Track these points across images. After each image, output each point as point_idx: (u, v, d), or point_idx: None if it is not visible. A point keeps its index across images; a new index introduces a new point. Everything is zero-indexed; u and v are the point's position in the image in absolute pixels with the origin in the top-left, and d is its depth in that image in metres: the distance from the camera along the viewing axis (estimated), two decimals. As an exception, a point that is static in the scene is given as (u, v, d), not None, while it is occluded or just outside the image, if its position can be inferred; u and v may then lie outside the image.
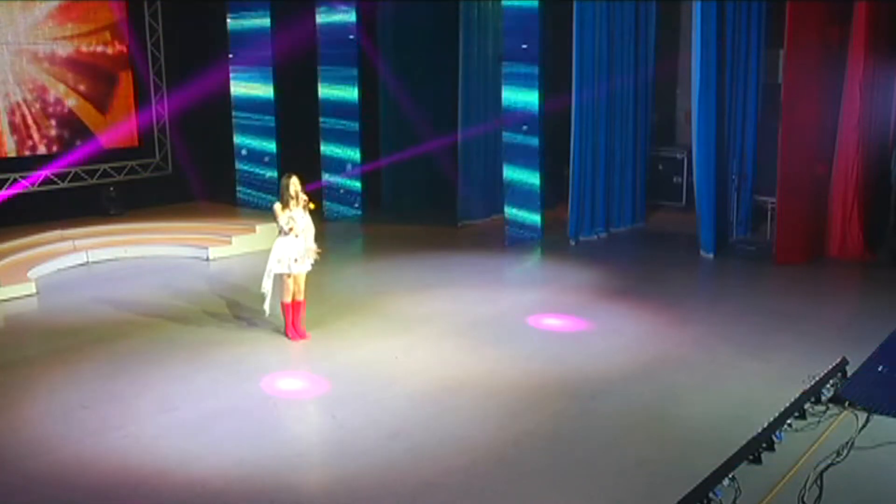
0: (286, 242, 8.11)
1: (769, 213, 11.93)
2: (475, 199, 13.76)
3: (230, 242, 11.92)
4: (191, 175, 13.81)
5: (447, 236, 13.02)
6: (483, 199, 13.82)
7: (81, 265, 11.31)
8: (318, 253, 8.35)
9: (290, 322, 8.30)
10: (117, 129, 13.46)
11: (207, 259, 11.64)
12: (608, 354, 7.93)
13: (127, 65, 13.43)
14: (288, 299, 8.24)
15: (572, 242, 12.41)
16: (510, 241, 12.43)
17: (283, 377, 7.55)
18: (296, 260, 8.13)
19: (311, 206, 8.17)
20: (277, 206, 8.10)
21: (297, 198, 8.03)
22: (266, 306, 8.31)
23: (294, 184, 8.04)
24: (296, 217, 8.05)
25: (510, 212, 12.51)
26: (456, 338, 8.43)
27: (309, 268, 8.30)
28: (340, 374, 7.55)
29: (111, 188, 13.08)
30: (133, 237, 12.05)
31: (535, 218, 12.63)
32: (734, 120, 12.18)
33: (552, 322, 8.96)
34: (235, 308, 9.41)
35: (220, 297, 9.88)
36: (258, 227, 12.13)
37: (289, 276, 8.16)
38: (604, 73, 12.46)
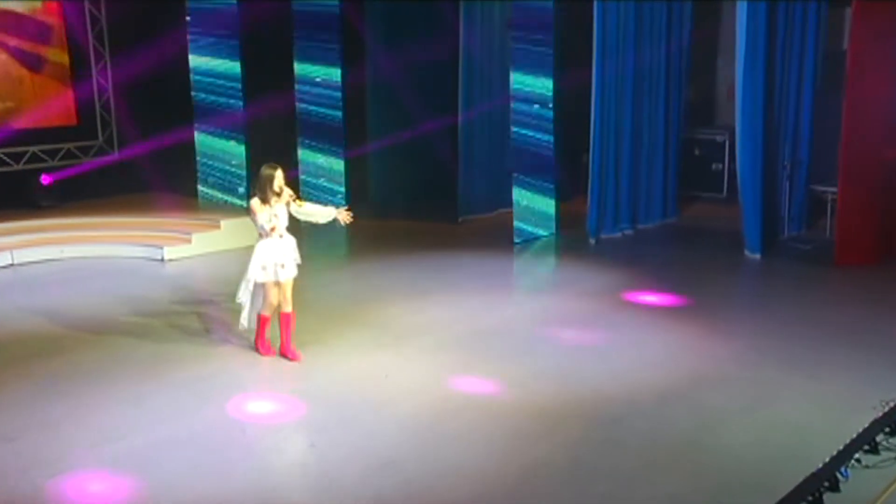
0: (270, 245, 8.04)
1: (828, 206, 11.98)
2: (478, 191, 13.80)
3: (190, 241, 11.94)
4: (142, 160, 13.80)
5: (446, 234, 13.05)
6: (487, 190, 13.86)
7: (4, 268, 11.31)
8: (349, 214, 8.32)
9: (265, 335, 8.25)
10: (49, 103, 13.40)
11: (162, 260, 11.67)
12: (634, 372, 7.94)
13: (60, 27, 13.34)
14: (268, 312, 8.19)
15: (592, 241, 12.46)
16: (519, 238, 12.47)
17: (254, 399, 7.57)
18: (283, 265, 8.07)
19: (299, 203, 8.11)
20: (256, 201, 7.99)
21: (281, 193, 7.98)
22: (244, 319, 8.30)
23: (279, 178, 7.96)
24: (279, 214, 8.02)
25: (519, 202, 12.56)
26: (456, 352, 8.46)
27: (295, 273, 8.25)
28: (321, 395, 7.55)
29: (43, 175, 13.10)
30: (71, 234, 12.07)
31: (549, 212, 12.67)
32: (787, 95, 12.21)
33: (568, 333, 8.98)
34: (197, 318, 9.41)
35: (179, 304, 9.88)
36: (223, 223, 12.15)
37: (276, 283, 8.10)
38: (630, 41, 12.49)
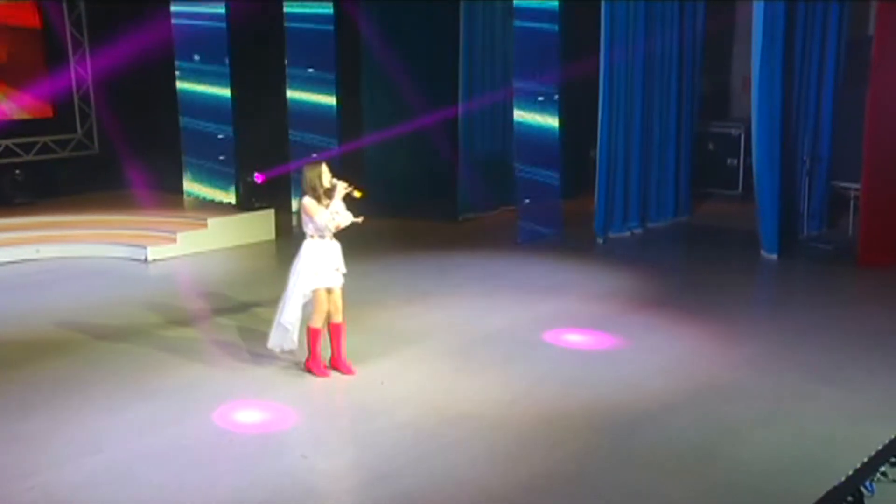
0: (321, 248, 7.82)
1: (851, 204, 11.97)
2: (480, 189, 13.79)
3: (175, 240, 11.94)
4: (124, 155, 13.76)
5: (446, 233, 13.06)
6: (489, 188, 13.85)
7: (-24, 269, 11.32)
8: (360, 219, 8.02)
9: (318, 352, 8.02)
10: (24, 94, 13.35)
11: (146, 260, 11.66)
12: (644, 379, 7.93)
13: (35, 13, 13.30)
14: (319, 324, 7.95)
15: (600, 240, 12.47)
16: (523, 238, 12.46)
17: (242, 408, 7.55)
18: (336, 269, 7.89)
19: (358, 193, 7.88)
20: (310, 202, 7.76)
21: (334, 188, 7.78)
22: (287, 342, 8.00)
23: (326, 172, 7.78)
24: (340, 210, 7.80)
25: (523, 200, 12.56)
26: (456, 357, 8.45)
27: (342, 280, 8.01)
28: (312, 404, 7.54)
29: (17, 170, 13.04)
30: (47, 233, 12.06)
31: (554, 210, 12.67)
32: (806, 86, 12.20)
33: (575, 338, 8.99)
34: (182, 322, 9.40)
35: (163, 307, 9.86)
36: (210, 222, 12.14)
37: (329, 291, 7.91)
38: (640, 29, 12.48)
